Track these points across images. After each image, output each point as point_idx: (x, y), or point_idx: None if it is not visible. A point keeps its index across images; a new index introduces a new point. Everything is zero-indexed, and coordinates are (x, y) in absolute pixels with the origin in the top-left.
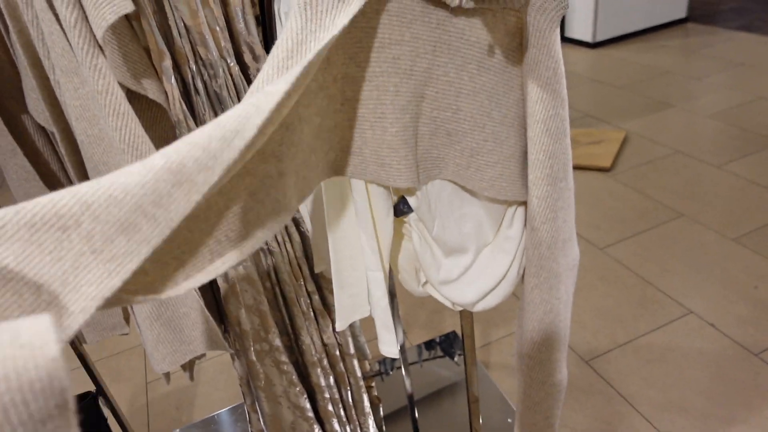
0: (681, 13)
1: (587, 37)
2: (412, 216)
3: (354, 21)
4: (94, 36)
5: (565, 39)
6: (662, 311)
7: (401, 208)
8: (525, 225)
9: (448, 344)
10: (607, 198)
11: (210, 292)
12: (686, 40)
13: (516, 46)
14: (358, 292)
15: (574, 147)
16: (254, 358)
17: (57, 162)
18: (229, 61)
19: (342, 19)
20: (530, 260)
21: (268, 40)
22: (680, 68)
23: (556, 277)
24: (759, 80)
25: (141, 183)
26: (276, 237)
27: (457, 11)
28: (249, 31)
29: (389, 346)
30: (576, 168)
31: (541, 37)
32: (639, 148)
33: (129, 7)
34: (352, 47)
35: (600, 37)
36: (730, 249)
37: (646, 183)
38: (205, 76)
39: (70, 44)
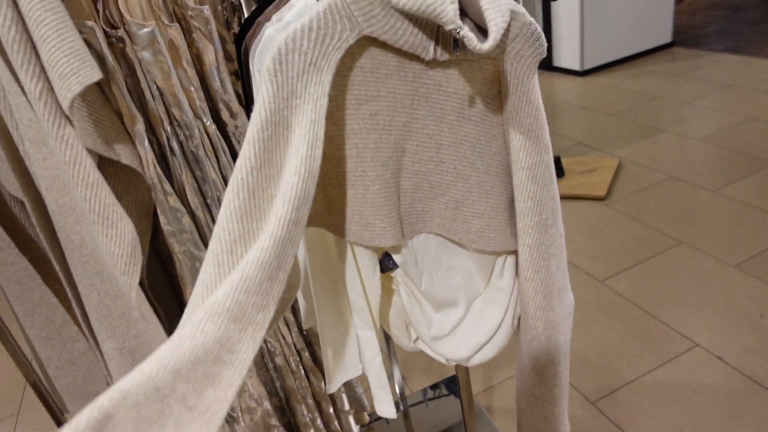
0: (666, 38)
1: (575, 66)
2: (398, 271)
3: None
4: (60, 107)
5: (553, 68)
6: (667, 345)
7: (386, 264)
8: (516, 274)
9: (449, 389)
10: (604, 228)
11: None
12: (673, 64)
13: (495, 94)
14: (348, 352)
15: (569, 176)
16: (244, 423)
17: (33, 229)
18: (205, 121)
19: (315, 88)
20: (525, 312)
21: (248, 94)
22: (669, 93)
23: (553, 327)
24: (748, 101)
25: (216, 338)
26: None
27: (433, 63)
28: (225, 89)
29: (386, 407)
30: (571, 198)
31: (519, 84)
32: (633, 175)
33: (95, 76)
34: (329, 106)
35: (588, 65)
36: (733, 276)
37: (643, 210)
38: (181, 137)
39: (37, 115)
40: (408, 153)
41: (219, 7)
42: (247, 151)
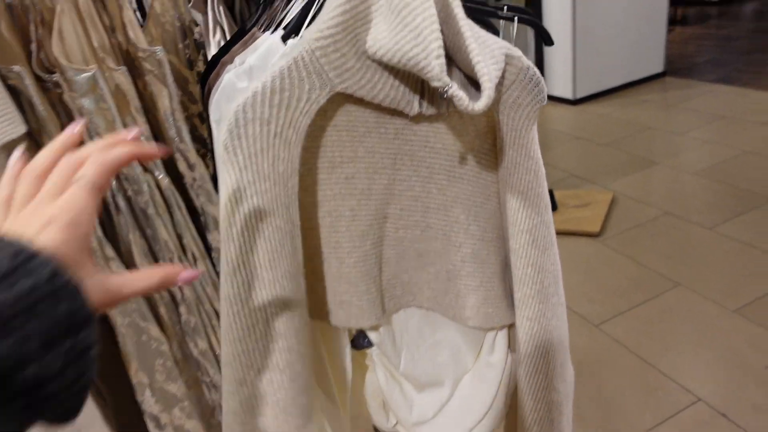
0: (659, 67)
1: (568, 94)
2: (374, 349)
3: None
4: None
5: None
6: (668, 399)
7: (360, 342)
8: (509, 348)
9: None
10: (599, 266)
11: None
12: (665, 94)
13: (489, 149)
14: None
15: (562, 210)
16: None
17: None
18: (156, 174)
19: (285, 165)
20: (525, 393)
21: (212, 139)
22: (662, 123)
23: (557, 407)
24: (741, 133)
25: None
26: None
27: (418, 118)
28: (181, 138)
29: None
30: (564, 233)
31: (517, 136)
32: (627, 210)
33: (16, 131)
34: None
35: (580, 94)
36: (733, 322)
37: (638, 248)
38: (129, 192)
39: None
40: (391, 218)
41: (180, 45)
42: (225, 251)
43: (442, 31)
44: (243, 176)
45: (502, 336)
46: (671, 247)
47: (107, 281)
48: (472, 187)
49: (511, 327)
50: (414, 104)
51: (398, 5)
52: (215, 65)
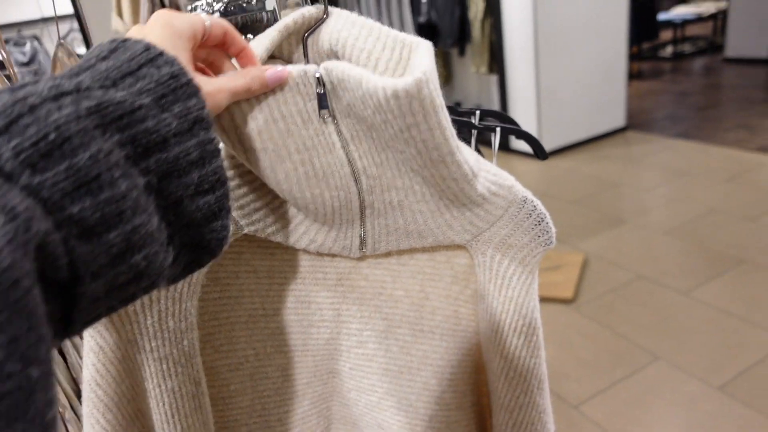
0: (620, 122)
1: None
2: None
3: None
4: None
5: (510, 150)
6: None
7: None
8: None
9: None
10: (575, 336)
11: None
12: (628, 149)
13: (469, 297)
14: None
15: None
16: None
17: None
18: None
19: (175, 322)
20: None
21: None
22: (628, 179)
23: None
24: (706, 191)
25: None
26: None
27: (366, 258)
28: None
29: None
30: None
31: (504, 285)
32: (600, 273)
33: None
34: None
35: (545, 148)
36: (719, 402)
37: (614, 316)
38: None
39: None
40: (341, 376)
41: None
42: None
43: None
44: (122, 335)
45: None
46: (648, 316)
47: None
48: (446, 343)
49: None
50: (353, 247)
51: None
52: None
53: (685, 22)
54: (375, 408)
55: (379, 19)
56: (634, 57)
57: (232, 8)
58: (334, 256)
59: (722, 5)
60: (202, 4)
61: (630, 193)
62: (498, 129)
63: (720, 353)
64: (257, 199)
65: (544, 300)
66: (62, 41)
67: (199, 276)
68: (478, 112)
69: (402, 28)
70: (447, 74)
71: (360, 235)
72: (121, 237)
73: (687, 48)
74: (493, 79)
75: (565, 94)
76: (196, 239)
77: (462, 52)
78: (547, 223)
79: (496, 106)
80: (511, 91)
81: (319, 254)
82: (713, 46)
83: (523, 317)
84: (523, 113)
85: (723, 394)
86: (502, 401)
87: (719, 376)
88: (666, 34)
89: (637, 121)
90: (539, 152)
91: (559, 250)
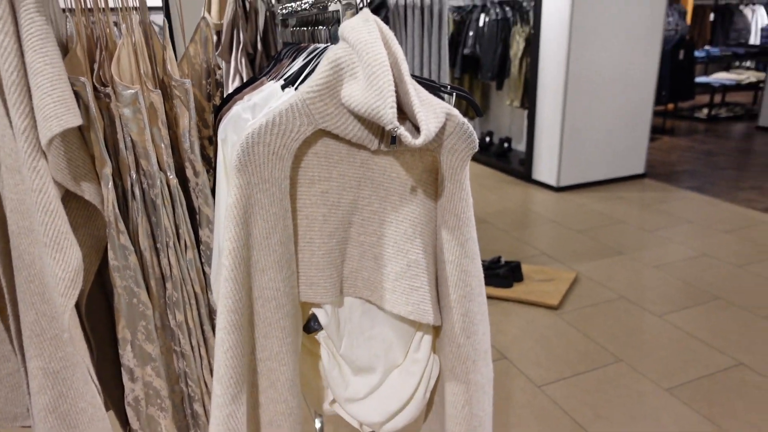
0: (640, 169)
1: (552, 181)
2: (321, 333)
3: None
4: (39, 143)
5: (532, 180)
6: None
7: (312, 326)
8: (432, 349)
9: None
10: (552, 336)
11: (117, 390)
12: (642, 194)
13: (433, 181)
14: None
15: (527, 282)
16: None
17: None
18: (168, 174)
19: (279, 173)
20: (457, 377)
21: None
22: (634, 219)
23: (481, 389)
24: (704, 238)
25: None
26: (190, 340)
27: (378, 152)
28: (192, 150)
29: None
30: (526, 303)
31: (454, 173)
32: (587, 290)
33: (75, 122)
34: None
35: (563, 183)
36: (664, 400)
37: (591, 325)
38: (144, 185)
39: (17, 147)
40: (354, 225)
41: (204, 82)
42: (228, 229)
43: (396, 93)
44: (252, 179)
45: (427, 339)
46: (620, 328)
47: None
48: (419, 209)
49: (436, 330)
50: (374, 142)
51: (368, 72)
52: (228, 101)
53: (725, 88)
54: (374, 245)
55: (421, 43)
56: (669, 114)
57: (313, 7)
58: (360, 147)
59: (762, 76)
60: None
61: (633, 231)
62: (454, 93)
63: (675, 364)
64: (327, 108)
65: (532, 304)
66: (204, 18)
67: (293, 146)
68: (448, 86)
69: (439, 55)
70: (483, 105)
71: (379, 136)
72: None
73: (723, 112)
74: (525, 113)
75: (589, 136)
76: None
77: (500, 86)
78: (474, 136)
79: (523, 137)
80: (539, 126)
81: (352, 146)
82: (750, 114)
83: (464, 190)
84: (547, 147)
85: (669, 394)
86: (454, 242)
87: (669, 381)
88: (705, 98)
89: (656, 171)
90: (476, 110)
91: (555, 267)
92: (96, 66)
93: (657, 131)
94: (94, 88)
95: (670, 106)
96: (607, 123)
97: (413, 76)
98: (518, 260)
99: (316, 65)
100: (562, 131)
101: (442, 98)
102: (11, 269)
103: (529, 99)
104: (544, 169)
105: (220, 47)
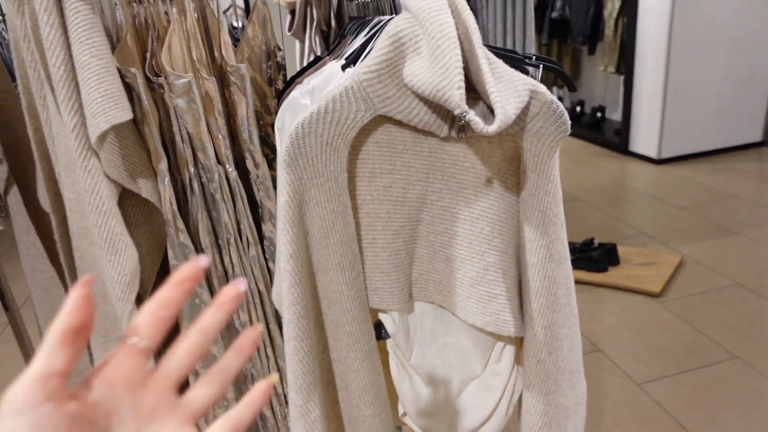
0: (756, 136)
1: (652, 153)
2: (389, 341)
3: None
4: (89, 140)
5: (628, 152)
6: None
7: (378, 333)
8: (515, 360)
9: None
10: (653, 326)
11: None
12: (760, 164)
13: (514, 171)
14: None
15: (623, 266)
16: None
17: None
18: (227, 167)
19: (335, 165)
20: (536, 398)
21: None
22: (750, 194)
23: (564, 412)
24: None
25: None
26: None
27: (449, 139)
28: (252, 141)
29: None
30: (622, 289)
31: (539, 161)
32: (695, 275)
33: (124, 117)
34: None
35: (665, 154)
36: None
37: (699, 315)
38: (203, 179)
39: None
40: (423, 223)
41: (264, 66)
42: (285, 231)
43: (467, 69)
44: (304, 174)
45: (509, 348)
46: (735, 319)
47: None
48: (498, 203)
49: (519, 341)
50: (444, 127)
51: (432, 46)
52: (290, 84)
53: None
54: (446, 246)
55: (504, 9)
56: None
57: None
58: (427, 135)
59: None
60: None
61: (748, 206)
62: (540, 65)
63: None
64: (388, 91)
65: (630, 290)
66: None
67: (350, 135)
68: (534, 57)
69: (524, 21)
70: (574, 72)
71: (449, 120)
72: None
73: None
74: (620, 80)
75: (695, 100)
76: None
77: (592, 51)
78: (565, 117)
79: (620, 106)
80: (637, 92)
81: (419, 133)
82: None
83: (551, 182)
84: (647, 115)
85: None
86: (538, 242)
87: None
88: None
89: None
90: (569, 85)
91: (657, 249)
92: (148, 55)
93: None
94: (147, 79)
95: None
96: (718, 86)
97: (490, 47)
98: (614, 242)
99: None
100: (664, 97)
101: (527, 72)
102: (74, 268)
103: (626, 63)
104: (644, 139)
105: (294, 26)
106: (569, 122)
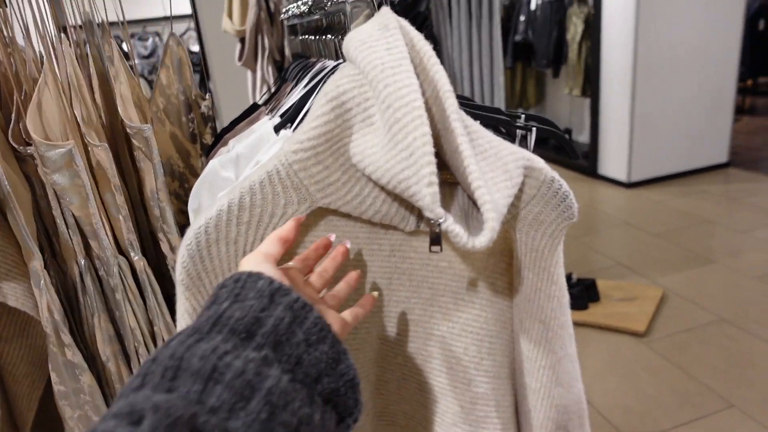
0: (722, 157)
1: (621, 177)
2: None
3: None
4: None
5: (597, 175)
6: None
7: None
8: None
9: None
10: (641, 372)
11: None
12: (728, 186)
13: (505, 269)
14: None
15: (604, 303)
16: None
17: None
18: (132, 255)
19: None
20: None
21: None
22: (722, 218)
23: None
24: None
25: None
26: None
27: (417, 233)
28: (164, 219)
29: None
30: (605, 329)
31: (538, 258)
32: (678, 310)
33: None
34: None
35: (635, 177)
36: None
37: (688, 356)
38: (101, 272)
39: None
40: (388, 341)
41: (184, 119)
42: None
43: (439, 149)
44: (204, 303)
45: None
46: (725, 360)
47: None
48: (485, 313)
49: None
50: (410, 220)
51: (390, 120)
52: (221, 140)
53: None
54: (418, 372)
55: (469, 35)
56: (747, 91)
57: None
58: (388, 228)
59: None
60: (293, 7)
61: (722, 232)
62: (534, 129)
63: None
64: (330, 175)
65: (613, 330)
66: (173, 34)
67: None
68: (522, 116)
69: (491, 47)
70: (538, 95)
71: (417, 212)
72: None
73: None
74: (586, 102)
75: (662, 123)
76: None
77: (556, 74)
78: (571, 200)
79: (586, 129)
80: (604, 116)
81: (376, 227)
82: None
83: (555, 284)
84: (615, 138)
85: None
86: (541, 362)
87: None
88: None
89: (741, 159)
90: (570, 152)
91: (636, 282)
92: (13, 117)
93: (735, 111)
94: (13, 149)
95: (749, 81)
96: (684, 107)
97: (464, 101)
98: (592, 276)
99: None
100: (631, 119)
101: (514, 136)
102: None
103: (591, 86)
104: (612, 162)
105: (244, 55)
106: (576, 205)
